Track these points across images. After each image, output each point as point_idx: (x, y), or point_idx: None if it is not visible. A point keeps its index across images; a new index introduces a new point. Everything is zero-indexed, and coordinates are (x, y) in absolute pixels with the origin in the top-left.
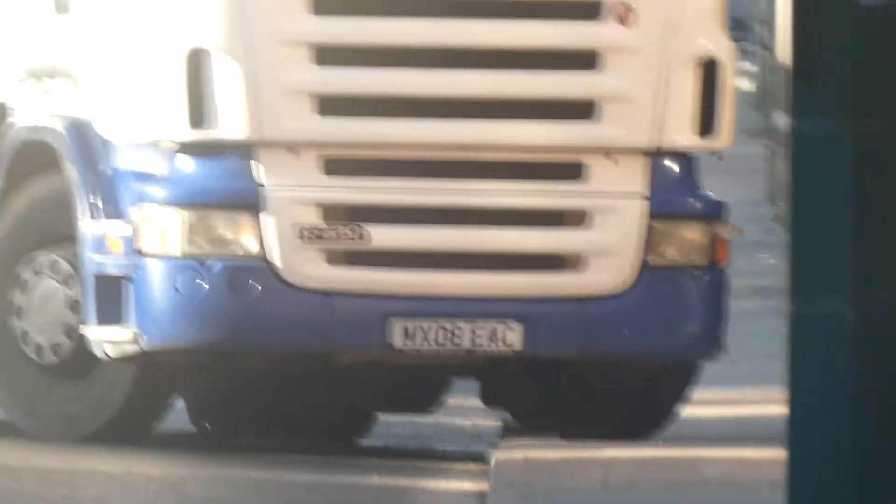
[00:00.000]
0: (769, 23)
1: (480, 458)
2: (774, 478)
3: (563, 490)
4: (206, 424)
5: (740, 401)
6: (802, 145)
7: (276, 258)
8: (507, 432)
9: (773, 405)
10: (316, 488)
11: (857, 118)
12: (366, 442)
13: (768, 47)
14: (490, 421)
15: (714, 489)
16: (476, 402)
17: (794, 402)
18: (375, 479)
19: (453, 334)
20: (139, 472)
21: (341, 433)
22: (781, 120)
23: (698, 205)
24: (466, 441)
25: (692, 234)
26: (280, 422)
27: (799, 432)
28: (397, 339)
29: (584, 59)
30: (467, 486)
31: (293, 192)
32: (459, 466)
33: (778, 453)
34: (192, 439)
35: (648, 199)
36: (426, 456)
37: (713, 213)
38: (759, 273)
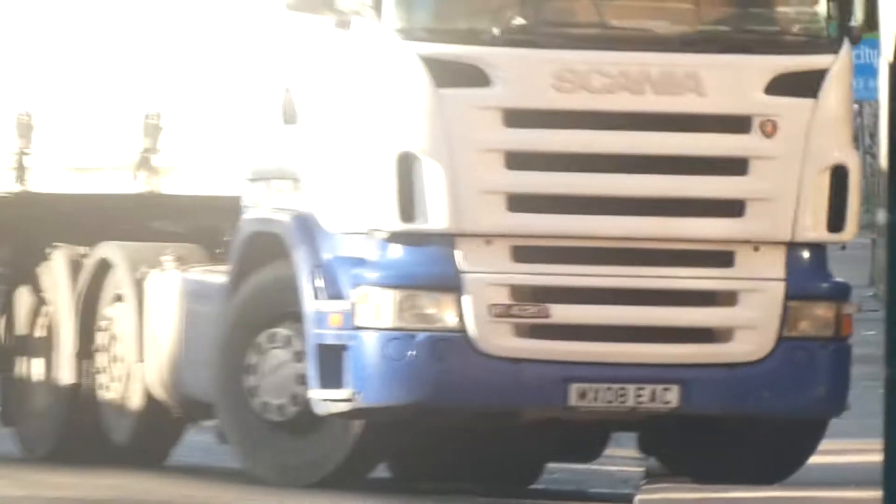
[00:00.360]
0: (874, 135)
1: (627, 500)
2: None
3: None
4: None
5: (845, 450)
6: None
7: (471, 331)
8: (650, 477)
9: (872, 454)
10: None
11: None
12: (531, 486)
13: (874, 155)
14: (635, 467)
15: None
16: (623, 451)
17: (889, 450)
18: None
19: (621, 395)
20: None
21: (516, 480)
22: (882, 216)
23: (828, 287)
24: (615, 485)
25: (822, 311)
26: (465, 470)
27: (893, 476)
28: (573, 400)
29: (736, 166)
30: None
31: (487, 275)
32: None
33: (876, 494)
34: (388, 484)
35: (787, 282)
36: (581, 498)
37: (840, 294)
38: (863, 343)
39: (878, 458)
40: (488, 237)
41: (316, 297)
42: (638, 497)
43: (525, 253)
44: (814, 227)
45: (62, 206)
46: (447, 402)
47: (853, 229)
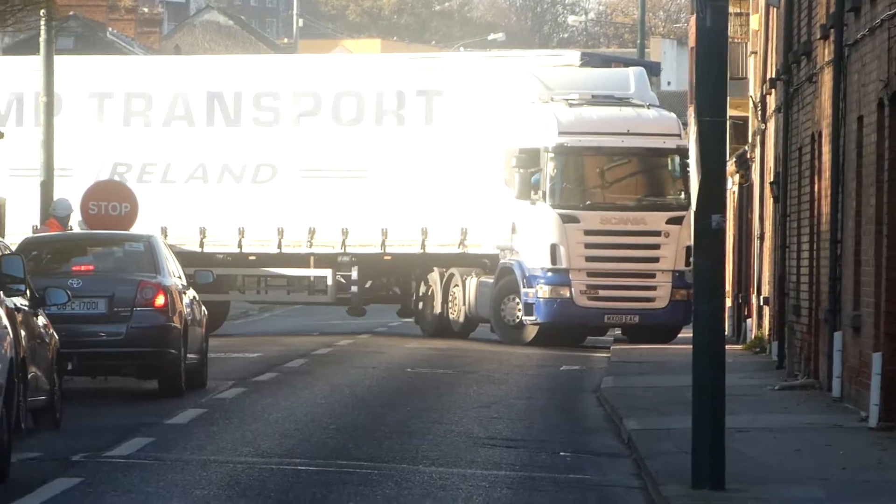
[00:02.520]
0: None
1: (606, 348)
2: None
3: None
4: None
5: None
6: None
7: (574, 298)
8: (616, 342)
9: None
10: None
11: None
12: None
13: None
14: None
15: None
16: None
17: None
18: None
19: (619, 317)
20: None
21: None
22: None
23: (684, 282)
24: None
25: (683, 292)
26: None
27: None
28: (605, 320)
29: (655, 242)
30: None
31: (577, 281)
32: None
33: None
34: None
35: (672, 280)
36: (579, 348)
37: (688, 285)
38: None
39: None
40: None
41: (523, 287)
42: (611, 347)
43: (591, 275)
44: (682, 264)
45: None
46: (561, 321)
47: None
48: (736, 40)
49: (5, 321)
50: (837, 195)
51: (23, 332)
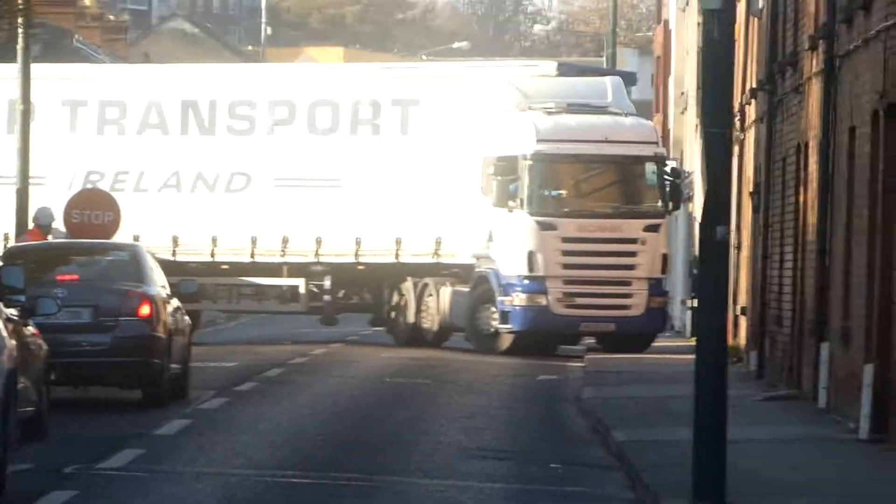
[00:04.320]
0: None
1: (580, 357)
2: None
3: None
4: None
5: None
6: None
7: (550, 305)
8: (590, 351)
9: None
10: None
11: None
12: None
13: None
14: (584, 352)
15: None
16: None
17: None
18: None
19: (596, 325)
20: None
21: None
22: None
23: (660, 290)
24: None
25: (658, 299)
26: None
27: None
28: (581, 328)
29: (631, 250)
30: None
31: (553, 289)
32: None
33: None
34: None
35: (649, 289)
36: (553, 355)
37: (663, 293)
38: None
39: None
40: (553, 277)
41: (499, 295)
42: (586, 356)
43: (568, 283)
44: (659, 272)
45: None
46: (537, 329)
47: (668, 270)
48: None
49: (4, 333)
50: (826, 206)
51: (13, 343)
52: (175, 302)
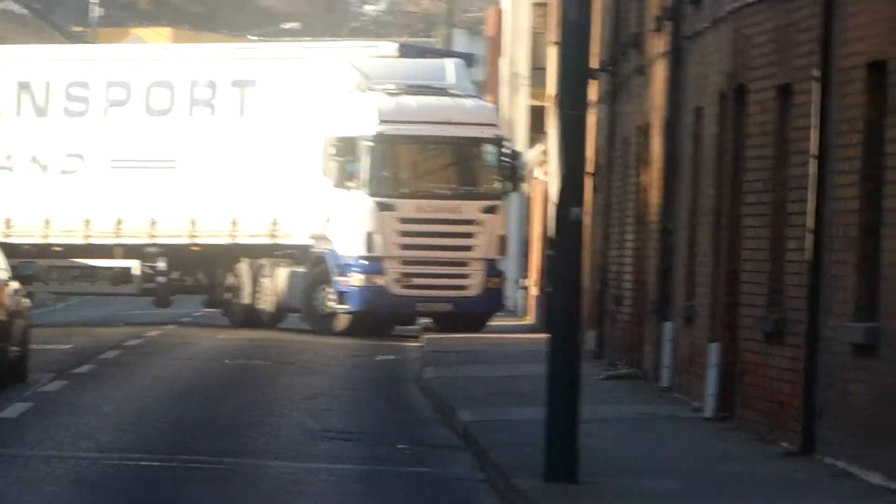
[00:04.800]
0: None
1: (415, 336)
2: None
3: None
4: None
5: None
6: None
7: (387, 285)
8: (425, 330)
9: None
10: None
11: None
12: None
13: None
14: (419, 331)
15: None
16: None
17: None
18: None
19: (429, 304)
20: None
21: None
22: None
23: (496, 271)
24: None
25: (495, 279)
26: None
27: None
28: (418, 308)
29: (468, 231)
30: None
31: (391, 269)
32: None
33: None
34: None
35: (486, 269)
36: (389, 336)
37: (497, 274)
38: None
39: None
40: (391, 257)
41: (336, 276)
42: (423, 336)
43: (405, 263)
44: (496, 253)
45: None
46: (374, 310)
47: (506, 251)
48: (539, 31)
49: None
50: (669, 186)
51: None
52: (15, 284)
